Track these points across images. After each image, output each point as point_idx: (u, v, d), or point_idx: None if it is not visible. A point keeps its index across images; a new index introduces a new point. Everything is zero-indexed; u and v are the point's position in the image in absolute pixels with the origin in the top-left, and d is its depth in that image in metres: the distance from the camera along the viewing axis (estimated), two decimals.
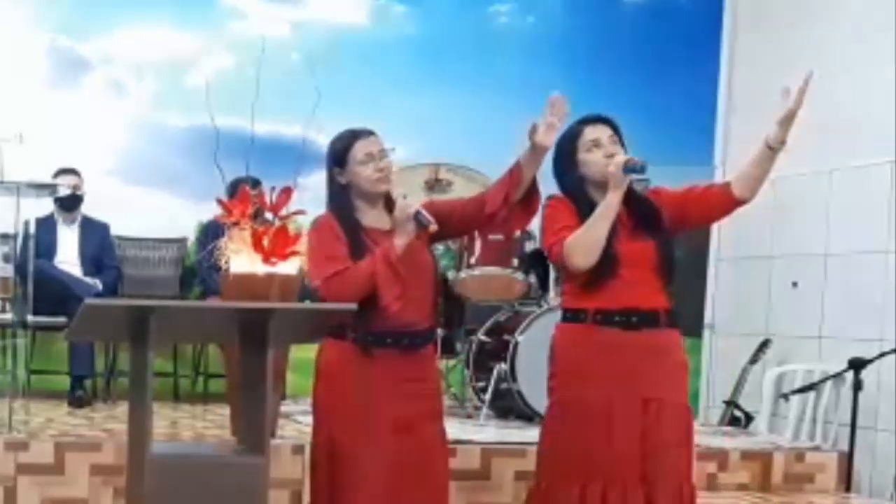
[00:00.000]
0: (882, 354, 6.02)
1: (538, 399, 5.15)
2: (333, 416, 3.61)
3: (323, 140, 4.03)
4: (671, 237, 3.73)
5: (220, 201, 4.88)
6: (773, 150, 3.67)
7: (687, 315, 4.38)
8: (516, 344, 5.93)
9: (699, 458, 4.55)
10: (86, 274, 6.43)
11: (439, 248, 5.49)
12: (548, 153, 3.65)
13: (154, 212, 7.02)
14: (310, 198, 4.76)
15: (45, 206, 6.34)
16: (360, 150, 3.63)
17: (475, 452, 5.01)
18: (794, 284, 7.08)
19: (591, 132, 3.71)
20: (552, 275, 6.14)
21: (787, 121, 3.63)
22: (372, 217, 3.67)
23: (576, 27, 7.68)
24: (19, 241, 5.51)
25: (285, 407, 5.52)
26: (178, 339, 5.53)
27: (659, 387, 3.63)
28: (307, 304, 3.98)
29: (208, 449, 4.36)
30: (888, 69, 6.33)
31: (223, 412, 5.53)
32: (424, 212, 3.53)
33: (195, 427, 5.60)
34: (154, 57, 7.17)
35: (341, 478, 3.56)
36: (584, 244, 3.56)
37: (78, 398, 6.14)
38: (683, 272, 3.82)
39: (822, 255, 6.84)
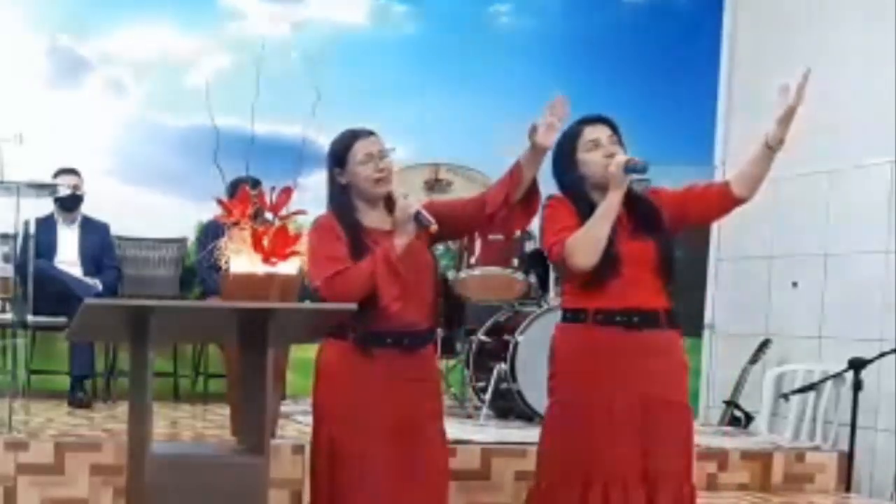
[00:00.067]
0: (882, 354, 6.02)
1: (538, 399, 5.16)
2: (333, 416, 3.61)
3: (323, 140, 4.03)
4: (671, 237, 3.74)
5: (220, 201, 4.88)
6: (771, 148, 3.67)
7: (687, 315, 4.38)
8: (516, 344, 5.93)
9: (699, 458, 4.54)
10: (86, 274, 6.42)
11: (439, 248, 5.48)
12: (548, 153, 3.66)
13: (154, 212, 7.02)
14: (310, 198, 4.76)
15: (45, 206, 6.34)
16: (360, 150, 3.63)
17: (475, 452, 5.01)
18: (794, 284, 7.08)
19: (591, 132, 3.71)
20: (552, 275, 6.14)
21: (786, 119, 3.63)
22: (372, 217, 3.67)
23: (576, 27, 7.68)
24: (19, 241, 5.51)
25: (285, 407, 5.52)
26: (178, 339, 5.54)
27: (659, 387, 3.63)
28: (307, 304, 3.98)
29: (208, 449, 4.36)
30: (888, 69, 6.33)
31: (223, 412, 5.53)
32: (425, 212, 3.54)
33: (195, 427, 5.60)
34: (154, 57, 7.17)
35: (341, 478, 3.56)
36: (585, 244, 3.56)
37: (78, 400, 6.14)
38: (683, 272, 3.82)
39: (822, 255, 6.84)
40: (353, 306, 3.41)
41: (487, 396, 6.01)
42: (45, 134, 6.53)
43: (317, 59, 6.83)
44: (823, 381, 6.44)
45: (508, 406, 6.08)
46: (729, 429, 6.66)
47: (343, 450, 3.56)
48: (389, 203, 3.64)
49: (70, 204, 6.45)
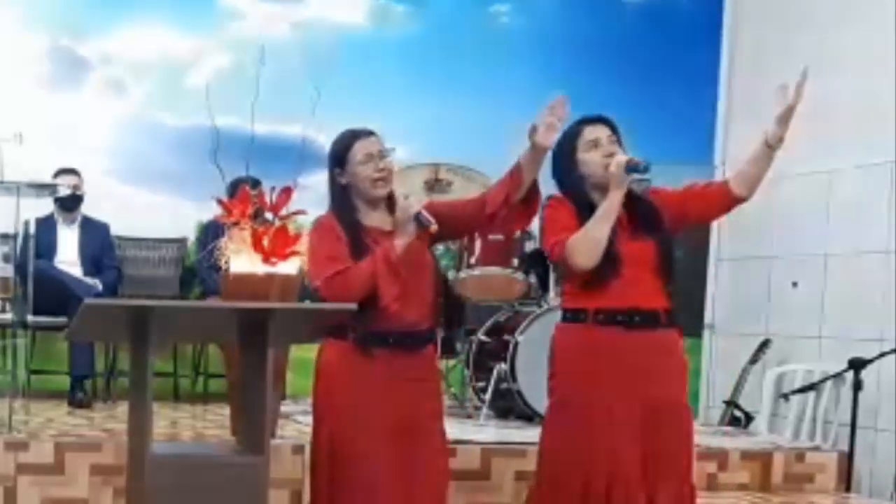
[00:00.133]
0: (882, 354, 6.02)
1: (538, 399, 5.17)
2: (333, 416, 3.61)
3: (323, 140, 4.03)
4: (671, 237, 3.74)
5: (220, 201, 4.88)
6: (771, 147, 3.68)
7: (687, 315, 4.39)
8: (516, 344, 5.93)
9: (699, 458, 4.54)
10: (86, 274, 6.42)
11: (439, 248, 5.49)
12: (548, 153, 3.66)
13: (154, 212, 7.02)
14: (310, 198, 4.76)
15: (45, 206, 6.33)
16: (359, 150, 3.64)
17: (475, 452, 5.00)
18: (794, 284, 7.08)
19: (591, 132, 3.71)
20: (552, 275, 6.14)
21: (786, 118, 3.65)
22: (373, 217, 3.67)
23: (576, 27, 7.67)
24: (19, 241, 5.51)
25: (285, 407, 5.52)
26: (178, 339, 5.54)
27: (659, 387, 3.63)
28: (307, 304, 3.98)
29: (208, 449, 4.36)
30: (888, 69, 6.33)
31: (223, 412, 5.53)
32: (425, 212, 3.54)
33: (195, 427, 5.60)
34: (153, 57, 7.17)
35: (341, 478, 3.56)
36: (586, 244, 3.56)
37: (78, 400, 6.14)
38: (683, 272, 3.83)
39: (822, 255, 6.83)
40: (353, 306, 3.41)
41: (487, 396, 6.01)
42: (45, 134, 6.54)
43: (317, 59, 6.84)
44: (823, 381, 6.44)
45: (508, 406, 6.08)
46: (729, 429, 6.66)
47: (343, 450, 3.56)
48: (391, 203, 3.65)
49: (70, 204, 6.45)
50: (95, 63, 7.18)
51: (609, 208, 3.58)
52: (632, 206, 3.68)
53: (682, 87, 7.69)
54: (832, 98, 6.29)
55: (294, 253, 4.61)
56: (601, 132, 3.71)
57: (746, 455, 5.47)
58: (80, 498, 4.65)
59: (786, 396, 6.53)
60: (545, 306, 6.10)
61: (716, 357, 7.75)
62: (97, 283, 6.38)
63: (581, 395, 3.64)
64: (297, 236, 4.63)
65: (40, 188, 5.53)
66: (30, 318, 5.59)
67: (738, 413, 6.97)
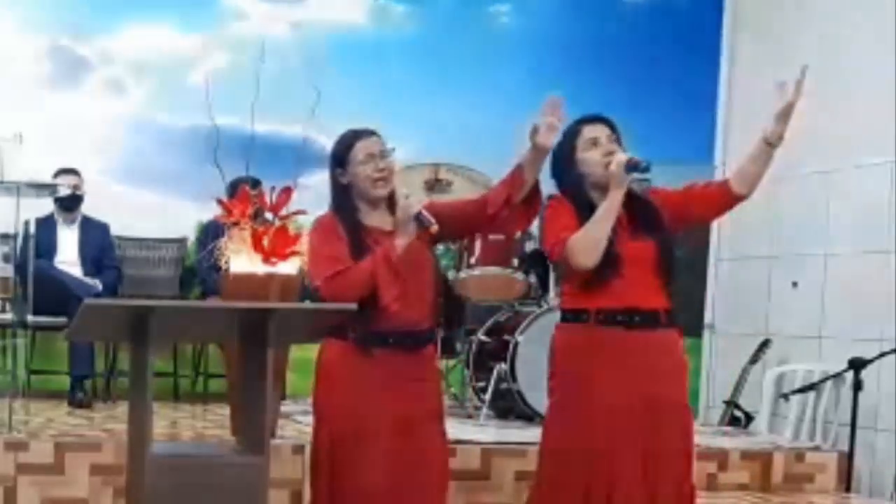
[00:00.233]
0: (882, 354, 6.02)
1: (538, 399, 5.17)
2: (333, 416, 3.61)
3: (323, 140, 4.03)
4: (671, 237, 3.74)
5: (220, 201, 4.89)
6: (770, 145, 3.68)
7: (687, 315, 4.39)
8: (516, 344, 5.93)
9: (699, 458, 4.54)
10: (86, 274, 6.42)
11: (439, 248, 5.49)
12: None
13: (154, 212, 7.02)
14: (310, 198, 4.75)
15: (45, 206, 6.33)
16: (360, 150, 3.64)
17: (475, 452, 5.01)
18: (794, 284, 7.08)
19: (590, 131, 3.71)
20: (552, 275, 6.14)
21: (785, 115, 3.65)
22: (374, 217, 3.67)
23: (575, 27, 7.67)
24: (19, 241, 5.51)
25: (285, 407, 5.52)
26: (178, 339, 5.54)
27: (659, 386, 3.63)
28: (307, 304, 3.98)
29: (208, 449, 4.36)
30: (888, 69, 6.33)
31: (223, 412, 5.53)
32: (426, 212, 3.54)
33: (195, 427, 5.60)
34: (154, 57, 7.17)
35: (341, 478, 3.57)
36: (587, 244, 3.56)
37: (78, 400, 6.14)
38: (683, 272, 3.82)
39: (822, 255, 6.83)
40: (353, 306, 3.41)
41: (487, 396, 6.01)
42: (45, 134, 6.53)
43: (317, 59, 6.84)
44: (823, 381, 6.44)
45: (508, 406, 6.08)
46: (729, 429, 6.66)
47: (343, 450, 3.56)
48: (391, 203, 3.65)
49: (70, 204, 6.45)
50: (95, 63, 7.18)
51: (609, 207, 3.58)
52: (632, 206, 3.68)
53: (682, 87, 7.69)
54: (832, 98, 6.29)
55: (294, 253, 4.62)
56: (601, 131, 3.71)
57: (746, 455, 5.47)
58: (80, 498, 4.65)
59: (786, 396, 6.53)
60: (545, 306, 6.10)
61: (716, 357, 7.75)
62: (97, 283, 6.38)
63: (581, 394, 3.64)
64: (297, 236, 4.63)
65: (40, 188, 5.53)
66: (30, 318, 5.59)
67: (738, 413, 6.97)
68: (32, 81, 6.99)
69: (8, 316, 5.61)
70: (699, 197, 3.80)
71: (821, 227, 6.85)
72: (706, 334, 7.80)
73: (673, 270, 3.71)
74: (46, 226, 6.33)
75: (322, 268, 3.56)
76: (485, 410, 5.99)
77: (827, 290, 6.80)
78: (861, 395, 5.95)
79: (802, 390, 6.49)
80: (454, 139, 7.12)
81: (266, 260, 4.63)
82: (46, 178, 5.85)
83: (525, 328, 5.94)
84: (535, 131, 3.56)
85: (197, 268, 6.68)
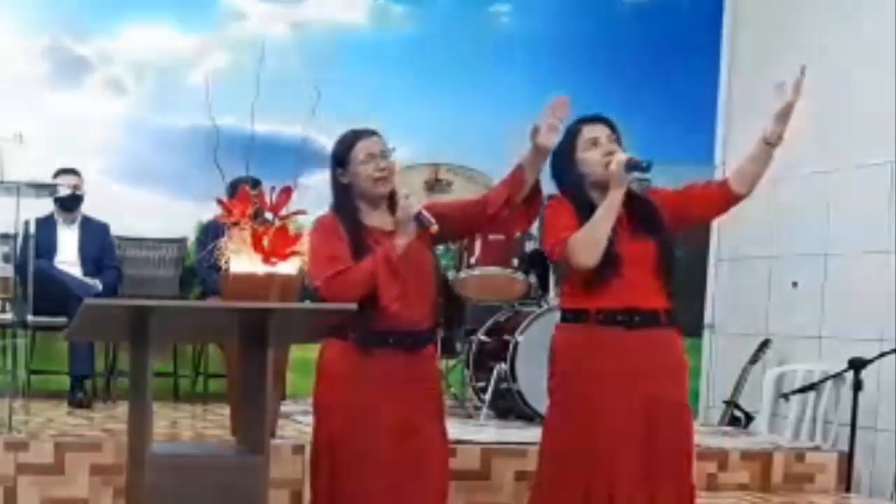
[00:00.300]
0: (882, 354, 6.02)
1: (538, 399, 5.16)
2: (334, 416, 3.61)
3: (323, 140, 4.03)
4: (671, 237, 3.74)
5: (220, 201, 4.89)
6: (770, 144, 3.69)
7: (687, 315, 4.38)
8: (516, 344, 5.93)
9: (699, 458, 4.54)
10: (86, 274, 6.42)
11: (439, 247, 5.49)
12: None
13: (154, 212, 7.02)
14: (310, 198, 4.75)
15: (45, 206, 6.33)
16: (361, 150, 3.64)
17: (475, 452, 5.01)
18: (794, 284, 7.08)
19: (590, 131, 3.71)
20: (552, 275, 6.14)
21: (784, 115, 3.65)
22: (374, 217, 3.67)
23: (576, 27, 7.67)
24: (19, 241, 5.51)
25: (285, 407, 5.52)
26: (178, 339, 5.54)
27: (659, 386, 3.63)
28: (307, 304, 3.98)
29: (208, 449, 4.36)
30: (888, 69, 6.33)
31: (223, 412, 5.53)
32: (426, 212, 3.54)
33: (195, 427, 5.60)
34: (154, 57, 7.17)
35: (342, 478, 3.57)
36: (587, 243, 3.56)
37: (78, 400, 6.14)
38: (683, 272, 3.82)
39: (822, 255, 6.83)
40: (352, 306, 3.41)
41: (487, 396, 6.01)
42: (45, 134, 6.54)
43: (317, 59, 6.84)
44: (823, 381, 6.44)
45: (508, 406, 6.08)
46: (729, 429, 6.66)
47: (343, 449, 3.56)
48: (392, 203, 3.65)
49: (70, 204, 6.45)
50: (95, 63, 7.18)
51: (610, 207, 3.58)
52: (632, 206, 3.68)
53: (682, 87, 7.69)
54: (832, 98, 6.29)
55: (294, 253, 4.61)
56: (600, 131, 3.71)
57: (746, 455, 5.47)
58: (80, 498, 4.65)
59: (786, 396, 6.53)
60: (545, 306, 6.10)
61: (716, 357, 7.75)
62: (97, 283, 6.38)
63: (581, 394, 3.64)
64: (297, 236, 4.63)
65: (40, 188, 5.53)
66: (30, 318, 5.59)
67: (738, 413, 6.97)
68: (32, 81, 6.99)
69: (8, 316, 5.61)
70: (699, 197, 3.80)
71: (821, 227, 6.85)
72: (706, 334, 7.80)
73: (673, 270, 3.71)
74: (46, 226, 6.33)
75: (322, 268, 3.56)
76: (485, 410, 5.99)
77: (827, 290, 6.80)
78: (861, 395, 5.95)
79: (802, 390, 6.49)
80: (454, 139, 7.11)
81: (266, 260, 4.63)
82: (46, 178, 5.86)
83: (525, 328, 5.94)
84: (535, 131, 3.56)
85: (197, 268, 6.68)
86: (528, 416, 5.88)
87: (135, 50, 7.15)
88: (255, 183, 5.10)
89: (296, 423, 5.44)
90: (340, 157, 3.67)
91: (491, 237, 6.07)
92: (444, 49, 7.48)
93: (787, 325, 7.07)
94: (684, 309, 3.83)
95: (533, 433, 4.42)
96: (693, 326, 7.52)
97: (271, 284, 4.61)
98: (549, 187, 3.76)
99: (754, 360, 7.01)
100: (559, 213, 3.68)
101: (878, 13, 6.51)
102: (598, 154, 3.67)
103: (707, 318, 7.81)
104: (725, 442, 5.74)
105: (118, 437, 4.63)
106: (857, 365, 5.98)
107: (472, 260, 6.17)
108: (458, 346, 6.47)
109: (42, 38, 7.06)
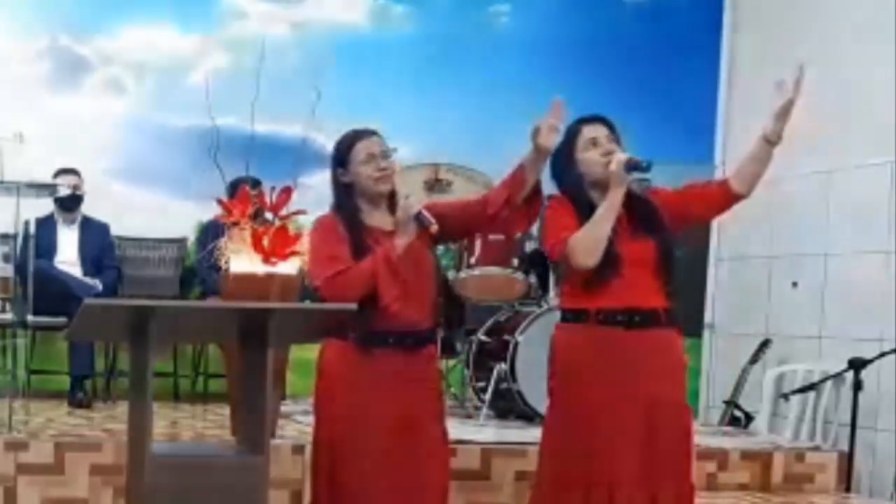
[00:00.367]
0: (882, 354, 6.02)
1: (538, 399, 5.16)
2: (334, 415, 3.61)
3: (323, 140, 4.03)
4: (671, 237, 3.74)
5: (220, 201, 4.89)
6: (770, 143, 3.69)
7: (687, 315, 4.37)
8: (516, 344, 5.93)
9: (699, 458, 4.54)
10: (86, 274, 6.42)
11: (439, 247, 5.49)
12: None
13: (154, 212, 7.03)
14: (310, 198, 4.76)
15: (45, 206, 6.33)
16: (361, 150, 3.64)
17: (475, 452, 5.00)
18: (794, 284, 7.08)
19: (590, 131, 3.72)
20: (552, 275, 6.14)
21: (784, 114, 3.66)
22: (375, 217, 3.68)
23: (575, 27, 7.67)
24: (19, 241, 5.51)
25: (285, 407, 5.52)
26: (178, 339, 5.53)
27: (659, 386, 3.63)
28: (307, 304, 3.98)
29: (208, 449, 4.36)
30: (888, 69, 6.33)
31: (223, 412, 5.53)
32: (426, 212, 3.54)
33: (195, 427, 5.60)
34: (154, 57, 7.17)
35: (342, 478, 3.57)
36: (587, 243, 3.56)
37: (78, 400, 6.14)
38: (683, 272, 3.82)
39: (822, 255, 6.83)
40: (352, 306, 3.41)
41: (487, 396, 6.01)
42: (45, 134, 6.54)
43: (317, 59, 6.84)
44: (823, 381, 6.44)
45: (508, 406, 6.08)
46: (729, 429, 6.66)
47: (343, 450, 3.57)
48: (392, 203, 3.65)
49: (70, 204, 6.45)
50: (95, 63, 7.18)
51: (610, 207, 3.58)
52: (632, 206, 3.68)
53: (682, 87, 7.69)
54: (832, 98, 6.29)
55: (294, 253, 4.61)
56: (600, 131, 3.71)
57: (746, 455, 5.47)
58: (80, 498, 4.65)
59: (786, 396, 6.53)
60: (545, 306, 6.10)
61: (716, 357, 7.75)
62: (97, 283, 6.38)
63: (581, 394, 3.64)
64: (297, 236, 4.63)
65: (40, 188, 5.54)
66: (30, 318, 5.59)
67: (738, 413, 6.97)
68: (32, 81, 7.00)
69: (8, 316, 5.61)
70: (699, 196, 3.81)
71: (821, 227, 6.85)
72: (706, 334, 7.81)
73: (673, 270, 3.71)
74: (46, 226, 6.33)
75: (322, 268, 3.57)
76: (485, 410, 5.99)
77: (827, 290, 6.80)
78: (861, 395, 5.95)
79: (802, 390, 6.49)
80: (454, 139, 7.12)
81: (266, 260, 4.63)
82: (46, 178, 5.86)
83: (525, 328, 5.94)
84: (536, 132, 3.56)
85: (197, 268, 6.68)
86: (528, 416, 5.88)
87: (135, 50, 7.15)
88: (255, 183, 5.09)
89: (296, 423, 5.44)
90: (341, 157, 3.67)
91: (491, 237, 6.07)
92: (444, 49, 7.48)
93: (787, 325, 7.07)
94: (684, 309, 3.83)
95: (533, 433, 4.42)
96: (693, 326, 7.52)
97: (271, 284, 4.60)
98: (549, 187, 3.76)
99: (754, 360, 7.00)
100: (559, 213, 3.68)
101: (877, 13, 6.51)
102: (598, 154, 3.67)
103: (707, 318, 7.81)
104: (725, 442, 5.74)
105: (118, 437, 4.63)
106: (857, 365, 5.98)
107: (472, 260, 6.17)
108: (458, 346, 6.47)
109: (42, 39, 7.07)
